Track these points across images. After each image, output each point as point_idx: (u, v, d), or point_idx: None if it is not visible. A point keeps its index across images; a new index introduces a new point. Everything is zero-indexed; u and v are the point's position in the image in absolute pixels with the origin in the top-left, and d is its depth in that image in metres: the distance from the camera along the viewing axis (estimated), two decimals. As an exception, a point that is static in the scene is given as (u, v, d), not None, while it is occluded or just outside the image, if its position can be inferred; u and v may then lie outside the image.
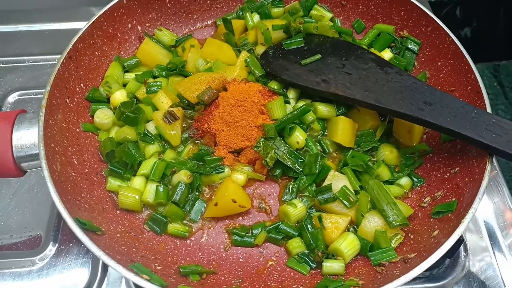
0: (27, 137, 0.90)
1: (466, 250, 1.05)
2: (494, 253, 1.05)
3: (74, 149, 0.97)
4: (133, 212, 0.95)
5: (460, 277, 1.01)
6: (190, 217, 0.95)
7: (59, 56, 1.37)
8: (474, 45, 1.44)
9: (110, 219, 0.91)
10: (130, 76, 1.12)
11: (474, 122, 0.90)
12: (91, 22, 1.07)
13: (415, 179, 1.00)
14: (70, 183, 0.90)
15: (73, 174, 0.92)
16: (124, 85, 1.12)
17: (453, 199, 0.91)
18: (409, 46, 1.15)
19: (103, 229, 0.86)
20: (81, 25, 1.23)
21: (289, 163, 0.97)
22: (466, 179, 0.92)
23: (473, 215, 0.82)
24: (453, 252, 0.90)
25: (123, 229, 0.91)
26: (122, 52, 1.17)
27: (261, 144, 0.95)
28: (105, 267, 1.02)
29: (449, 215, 0.88)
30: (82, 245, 1.03)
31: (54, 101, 0.95)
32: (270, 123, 1.00)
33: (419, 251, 0.84)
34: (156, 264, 0.86)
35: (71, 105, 1.01)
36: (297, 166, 0.98)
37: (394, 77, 1.00)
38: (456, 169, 0.96)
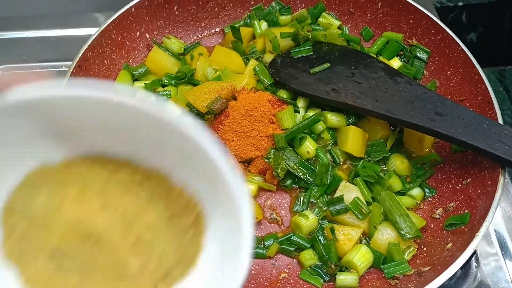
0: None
1: (477, 260, 1.04)
2: (505, 261, 1.05)
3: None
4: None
5: (472, 287, 1.01)
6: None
7: (66, 62, 1.39)
8: (480, 50, 1.44)
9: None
10: (139, 84, 1.12)
11: (486, 134, 0.90)
12: (100, 30, 1.07)
13: (426, 190, 0.99)
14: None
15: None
16: (133, 94, 1.11)
17: (466, 211, 0.90)
18: (418, 54, 1.14)
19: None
20: (88, 32, 1.24)
21: (300, 173, 0.97)
22: (479, 191, 0.91)
23: (487, 228, 0.82)
24: (465, 262, 0.89)
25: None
26: (130, 60, 1.16)
27: (272, 155, 0.95)
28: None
29: (462, 227, 0.88)
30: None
31: (64, 112, 0.94)
32: (280, 133, 1.00)
33: (433, 264, 0.84)
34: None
35: (81, 115, 1.01)
36: (308, 177, 0.97)
37: (404, 87, 1.00)
38: (468, 180, 0.95)
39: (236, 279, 0.35)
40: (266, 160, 0.96)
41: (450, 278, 1.00)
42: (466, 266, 1.02)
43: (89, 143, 0.37)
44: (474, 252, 1.00)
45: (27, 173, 0.36)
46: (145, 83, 1.11)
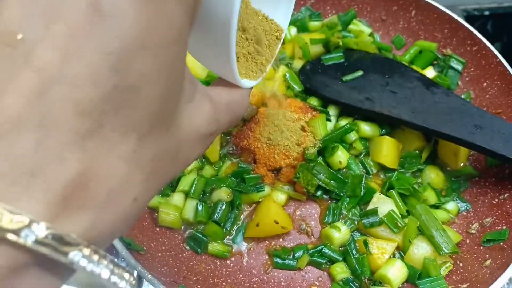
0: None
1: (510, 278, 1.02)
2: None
3: (113, 163, 0.95)
4: (172, 230, 0.93)
5: (505, 306, 0.98)
6: (232, 241, 0.93)
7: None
8: (505, 60, 1.43)
9: (151, 237, 0.89)
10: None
11: (527, 148, 0.87)
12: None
13: (461, 204, 0.97)
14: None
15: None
16: (161, 98, 1.10)
17: (504, 227, 0.88)
18: (453, 64, 1.12)
19: (144, 248, 0.84)
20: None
21: (331, 187, 0.94)
22: (517, 207, 0.89)
23: (530, 247, 0.79)
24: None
25: (163, 248, 0.89)
26: (158, 64, 1.15)
27: (300, 175, 0.93)
28: (140, 282, 1.00)
29: (501, 244, 0.85)
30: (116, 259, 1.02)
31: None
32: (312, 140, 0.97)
33: (471, 282, 0.81)
34: (198, 286, 0.83)
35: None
36: (340, 189, 0.95)
37: (441, 98, 0.98)
38: (505, 195, 0.93)
39: None
40: (295, 179, 0.94)
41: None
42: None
43: None
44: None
45: None
46: (173, 87, 1.09)
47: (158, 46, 0.30)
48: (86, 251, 0.29)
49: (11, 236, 0.26)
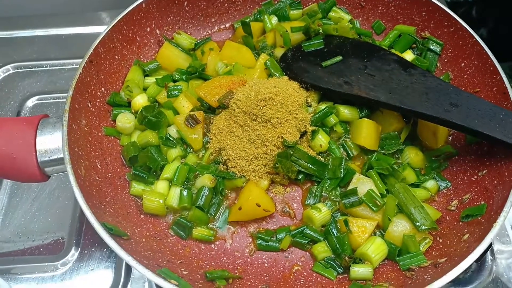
0: (51, 141, 0.89)
1: (493, 253, 1.03)
2: (521, 256, 1.03)
3: (97, 153, 0.96)
4: (157, 217, 0.95)
5: (487, 281, 0.99)
6: (216, 225, 0.94)
7: (76, 60, 1.39)
8: (490, 45, 1.46)
9: (135, 223, 0.91)
10: (150, 80, 1.12)
11: (502, 124, 0.89)
12: (111, 26, 1.06)
13: (441, 182, 0.98)
14: (95, 187, 0.89)
15: (97, 178, 0.92)
16: (145, 89, 1.11)
17: (482, 202, 0.89)
18: (431, 47, 1.13)
19: (128, 233, 0.85)
20: (97, 30, 1.22)
21: (311, 172, 0.96)
22: (495, 182, 0.90)
23: (505, 219, 0.80)
24: (480, 256, 0.88)
25: (147, 234, 0.90)
26: (141, 56, 1.16)
27: (279, 164, 0.94)
28: (128, 271, 1.01)
29: (479, 218, 0.87)
30: (105, 250, 1.03)
31: (76, 106, 0.94)
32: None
33: (449, 256, 0.83)
34: (182, 269, 0.85)
35: (93, 109, 1.01)
36: (320, 173, 0.96)
37: (418, 79, 0.99)
38: (484, 171, 0.94)
39: None
40: (275, 169, 0.95)
41: (466, 271, 0.99)
42: (482, 259, 1.01)
43: None
44: (490, 245, 0.98)
45: None
46: (156, 79, 1.11)
47: None
48: None
49: None
